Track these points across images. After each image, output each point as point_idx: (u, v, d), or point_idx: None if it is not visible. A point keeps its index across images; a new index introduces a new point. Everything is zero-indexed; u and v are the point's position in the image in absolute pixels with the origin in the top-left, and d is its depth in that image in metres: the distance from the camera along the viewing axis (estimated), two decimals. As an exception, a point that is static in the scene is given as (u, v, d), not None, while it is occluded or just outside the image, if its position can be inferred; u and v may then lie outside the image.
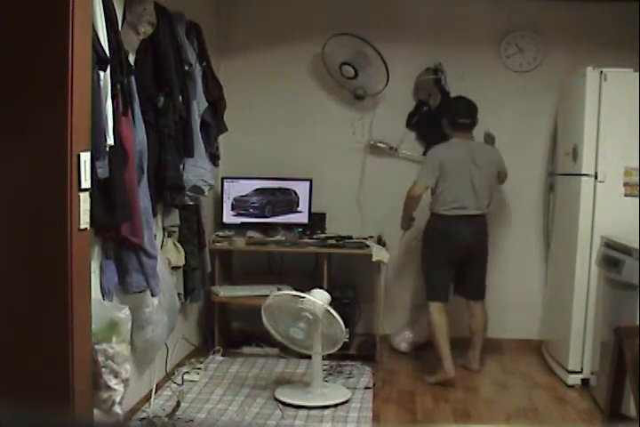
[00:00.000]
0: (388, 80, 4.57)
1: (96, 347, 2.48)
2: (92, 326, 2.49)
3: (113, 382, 2.55)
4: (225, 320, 4.64)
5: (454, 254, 4.11)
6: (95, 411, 2.60)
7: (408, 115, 4.71)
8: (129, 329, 2.71)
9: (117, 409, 2.62)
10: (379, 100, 4.72)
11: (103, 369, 2.50)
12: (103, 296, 2.86)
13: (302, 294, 3.59)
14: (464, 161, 4.08)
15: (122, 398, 2.64)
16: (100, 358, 2.49)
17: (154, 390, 3.59)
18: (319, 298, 3.59)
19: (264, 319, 3.66)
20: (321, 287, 3.87)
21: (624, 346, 2.47)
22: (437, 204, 4.13)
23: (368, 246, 4.39)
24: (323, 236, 4.59)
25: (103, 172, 2.56)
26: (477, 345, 4.30)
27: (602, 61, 3.97)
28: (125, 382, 2.63)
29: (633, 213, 3.78)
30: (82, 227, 2.26)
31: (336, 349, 3.67)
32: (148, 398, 3.54)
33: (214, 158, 4.02)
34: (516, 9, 4.60)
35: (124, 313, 2.71)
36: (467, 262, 4.17)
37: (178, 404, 3.56)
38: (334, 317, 3.56)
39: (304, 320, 3.57)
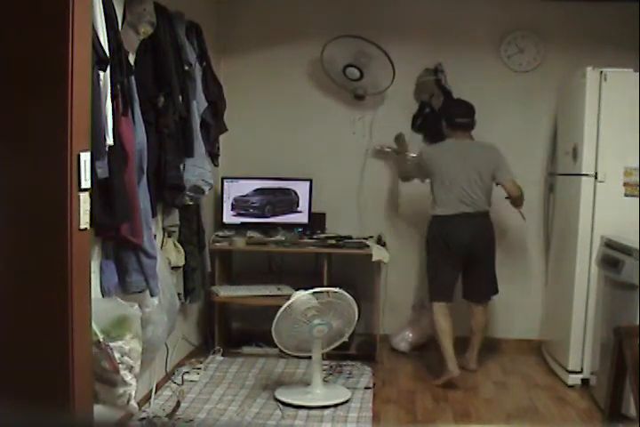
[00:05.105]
0: (394, 76, 4.55)
1: (111, 344, 2.49)
2: (104, 324, 2.49)
3: (129, 378, 2.55)
4: (225, 320, 4.64)
5: (454, 254, 4.08)
6: (109, 409, 2.61)
7: (412, 117, 4.71)
8: (140, 324, 2.70)
9: (134, 404, 2.63)
10: (378, 99, 4.72)
11: (120, 365, 2.51)
12: (103, 296, 2.85)
13: (290, 301, 3.59)
14: (454, 160, 4.07)
15: (135, 391, 2.65)
16: (117, 355, 2.50)
17: (154, 390, 3.60)
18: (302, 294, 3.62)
19: (276, 340, 3.66)
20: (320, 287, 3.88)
21: (624, 346, 2.48)
22: (434, 205, 4.13)
23: (368, 246, 4.39)
24: (323, 236, 4.58)
25: (103, 172, 2.56)
26: (475, 346, 4.30)
27: (602, 61, 3.97)
28: (137, 376, 2.64)
29: (633, 213, 3.78)
30: (82, 227, 2.25)
31: (354, 325, 3.75)
32: (148, 398, 3.55)
33: (214, 158, 4.02)
34: (516, 9, 4.61)
35: (135, 309, 2.71)
36: (470, 264, 4.14)
37: (178, 404, 3.56)
38: (338, 294, 3.61)
39: (317, 316, 3.58)
